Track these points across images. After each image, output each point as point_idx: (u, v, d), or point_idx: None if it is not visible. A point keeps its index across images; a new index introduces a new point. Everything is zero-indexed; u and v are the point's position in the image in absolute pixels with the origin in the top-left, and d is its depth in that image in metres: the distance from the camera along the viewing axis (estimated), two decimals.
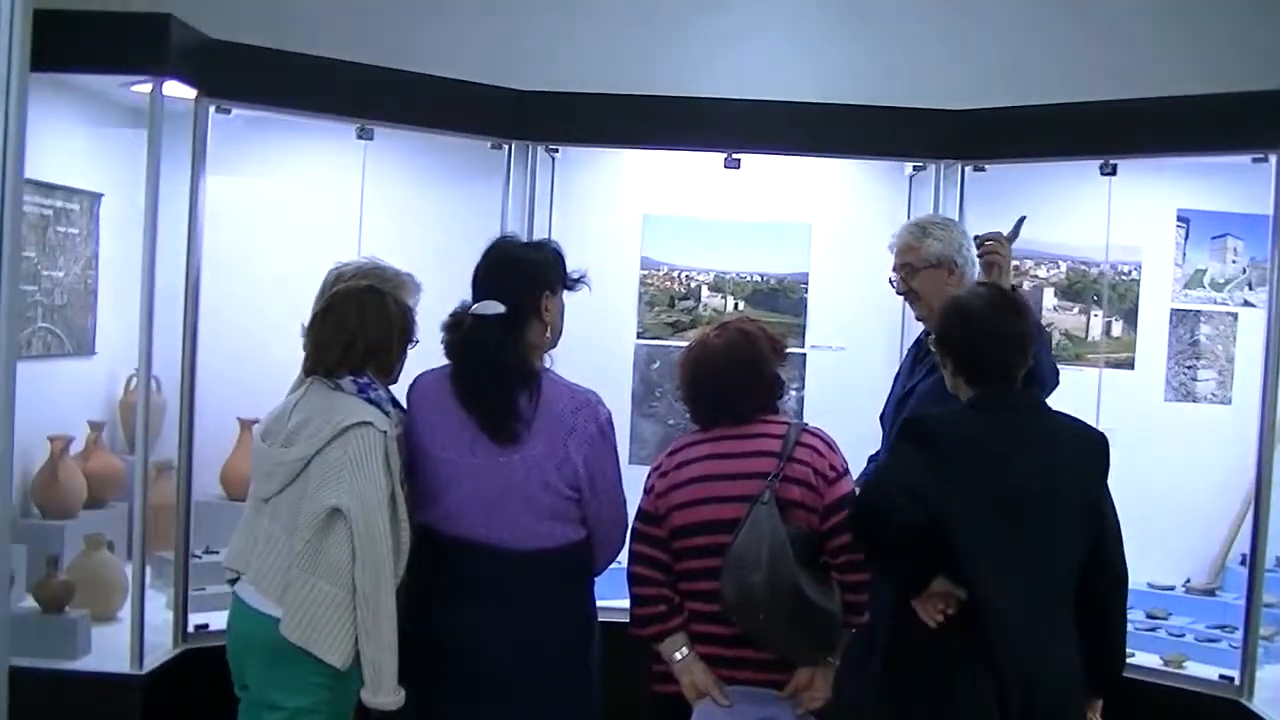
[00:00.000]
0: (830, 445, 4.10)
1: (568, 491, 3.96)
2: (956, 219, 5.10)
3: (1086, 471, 3.85)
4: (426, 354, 4.26)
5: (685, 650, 4.02)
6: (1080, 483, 3.81)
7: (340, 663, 3.81)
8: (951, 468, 3.69)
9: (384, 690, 3.82)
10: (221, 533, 5.50)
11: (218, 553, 5.81)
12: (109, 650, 5.38)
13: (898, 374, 5.16)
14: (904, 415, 4.44)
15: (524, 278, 4.05)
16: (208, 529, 5.87)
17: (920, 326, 5.04)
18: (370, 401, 3.97)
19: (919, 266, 4.88)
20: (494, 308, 3.96)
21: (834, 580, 3.95)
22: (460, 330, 4.06)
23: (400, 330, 4.17)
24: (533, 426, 3.92)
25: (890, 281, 5.02)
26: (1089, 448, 3.89)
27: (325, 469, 3.87)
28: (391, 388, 4.22)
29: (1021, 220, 4.90)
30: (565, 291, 4.16)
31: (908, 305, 5.06)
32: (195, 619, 5.60)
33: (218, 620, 5.09)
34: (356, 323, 4.05)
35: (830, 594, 3.91)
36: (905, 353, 5.19)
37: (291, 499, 3.94)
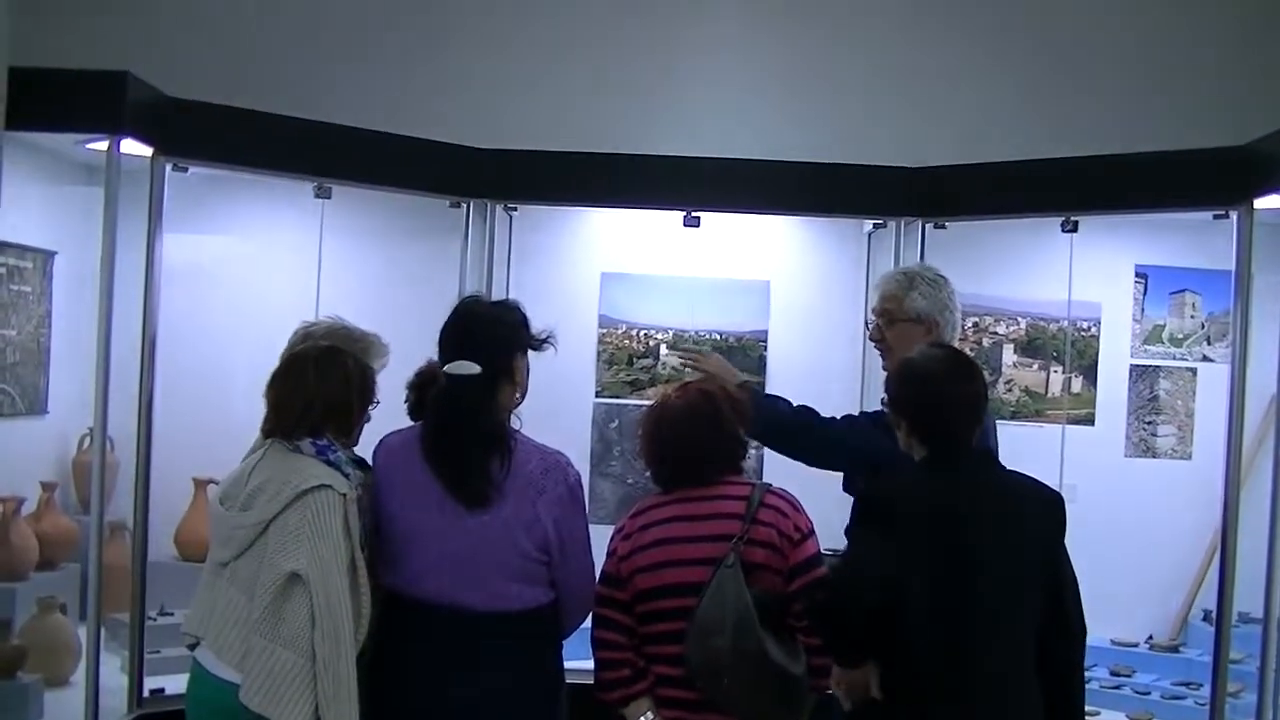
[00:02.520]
0: (795, 506, 4.06)
1: (536, 554, 3.91)
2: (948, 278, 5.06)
3: (1044, 530, 3.81)
4: (391, 413, 4.22)
5: (650, 715, 3.97)
6: (1038, 542, 3.78)
7: None
8: (911, 538, 3.64)
9: None
10: (176, 594, 5.45)
11: (172, 614, 5.75)
12: (62, 716, 5.30)
13: None
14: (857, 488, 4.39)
15: (499, 338, 4.01)
16: (162, 590, 5.79)
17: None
18: (329, 464, 3.92)
19: (898, 317, 4.76)
20: (469, 368, 3.91)
21: (800, 643, 3.92)
22: (430, 390, 4.03)
23: (360, 391, 4.12)
24: (503, 488, 3.88)
25: (866, 323, 4.97)
26: (1045, 507, 3.85)
27: (284, 533, 3.81)
28: (355, 448, 4.18)
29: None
30: (531, 351, 4.12)
31: (879, 354, 4.99)
32: (151, 683, 5.51)
33: (174, 684, 5.03)
34: (315, 383, 4.00)
35: (796, 657, 3.86)
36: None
37: (250, 564, 3.87)
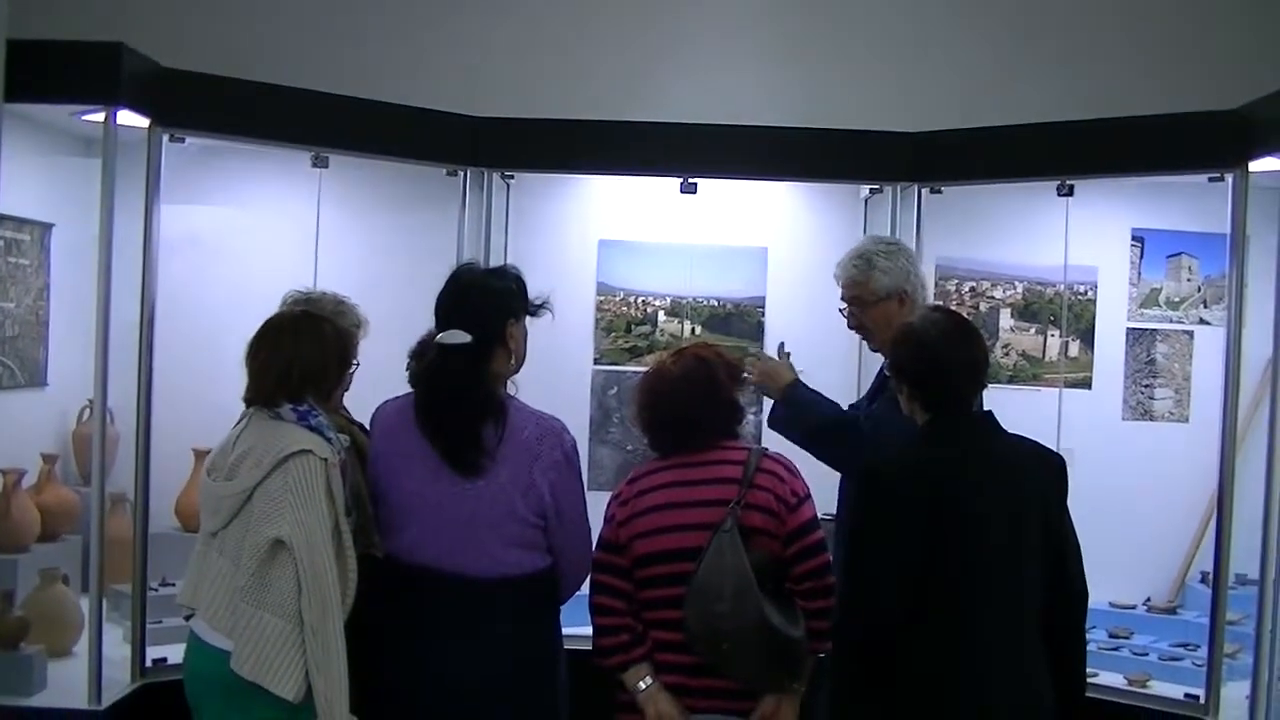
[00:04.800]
0: (791, 471, 4.08)
1: (533, 519, 3.93)
2: (900, 239, 5.07)
3: (1047, 494, 3.83)
4: (392, 381, 4.24)
5: (649, 680, 3.99)
6: (1041, 505, 3.79)
7: (293, 696, 3.75)
8: (913, 509, 3.65)
9: None
10: (177, 565, 5.45)
11: (174, 585, 5.76)
12: (66, 686, 5.31)
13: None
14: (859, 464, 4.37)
15: (489, 306, 4.02)
16: (163, 561, 5.80)
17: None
18: (311, 428, 3.93)
19: (869, 301, 4.79)
20: (459, 337, 3.93)
21: (799, 606, 3.93)
22: (425, 359, 4.05)
23: (336, 355, 4.15)
24: (498, 455, 3.89)
25: (841, 312, 4.97)
26: (1048, 470, 3.86)
27: (267, 500, 3.82)
28: (356, 415, 4.20)
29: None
30: (527, 317, 4.13)
31: (862, 339, 5.02)
32: (153, 653, 5.53)
33: (176, 654, 5.03)
34: (291, 350, 4.01)
35: (795, 621, 3.88)
36: (875, 376, 5.12)
37: (237, 532, 3.89)
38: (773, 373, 4.86)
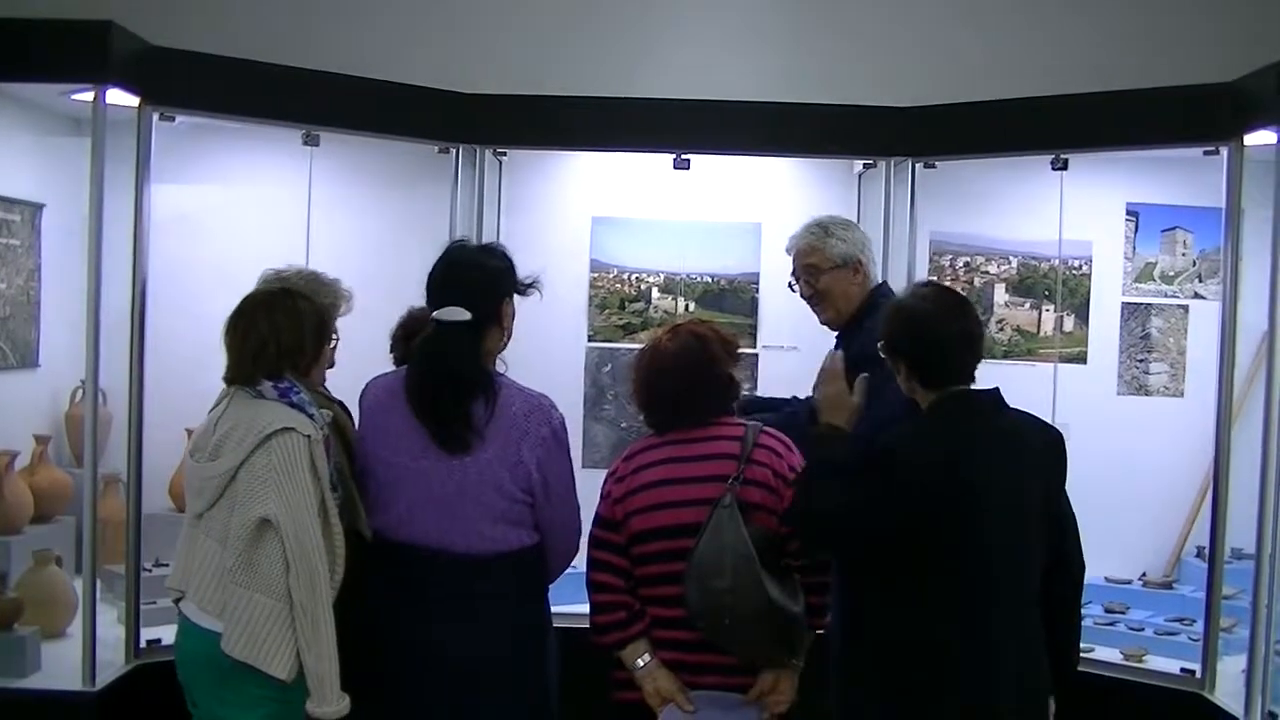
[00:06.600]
0: (788, 446, 4.08)
1: (521, 495, 3.94)
2: (855, 219, 5.05)
3: (1047, 470, 3.83)
4: (376, 359, 4.23)
5: (647, 657, 3.99)
6: (1041, 481, 3.79)
7: (285, 675, 3.76)
8: (917, 484, 3.63)
9: (328, 700, 3.77)
10: (171, 546, 5.41)
11: (167, 565, 5.74)
12: (60, 667, 5.31)
13: None
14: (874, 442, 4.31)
15: (488, 284, 4.02)
16: (157, 542, 5.78)
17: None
18: (293, 405, 3.93)
19: (824, 268, 4.79)
20: (459, 314, 3.92)
21: (798, 581, 3.93)
22: (417, 337, 4.04)
23: (314, 330, 4.13)
24: (486, 431, 3.89)
25: (791, 286, 4.96)
26: (1048, 446, 3.87)
27: (252, 479, 3.82)
28: (344, 393, 4.18)
29: None
30: (516, 296, 4.12)
31: (811, 309, 4.97)
32: (147, 634, 5.53)
33: (170, 635, 5.01)
34: (267, 327, 4.00)
35: (795, 596, 3.88)
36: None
37: (223, 513, 3.89)
38: (842, 404, 4.19)
